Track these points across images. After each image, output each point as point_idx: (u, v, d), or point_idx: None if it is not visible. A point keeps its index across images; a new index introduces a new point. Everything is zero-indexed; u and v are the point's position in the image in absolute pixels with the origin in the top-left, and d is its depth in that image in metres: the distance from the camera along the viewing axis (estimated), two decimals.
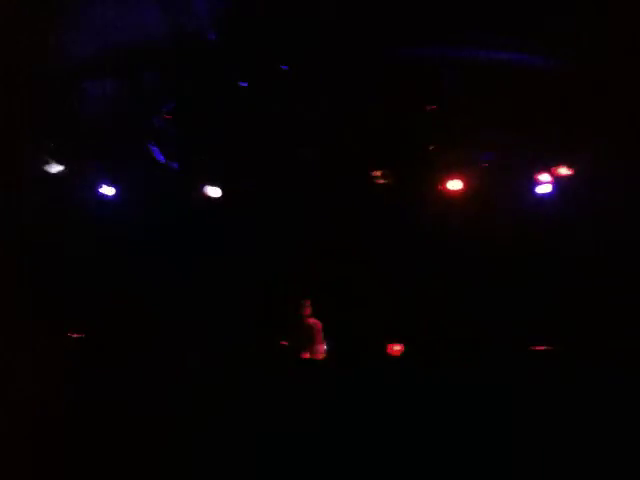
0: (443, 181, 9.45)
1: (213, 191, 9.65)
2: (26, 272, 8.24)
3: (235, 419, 5.95)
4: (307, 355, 8.73)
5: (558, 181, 8.83)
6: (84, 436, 5.96)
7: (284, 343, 8.86)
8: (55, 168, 8.83)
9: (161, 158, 9.31)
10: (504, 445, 5.84)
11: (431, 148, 9.13)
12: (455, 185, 9.36)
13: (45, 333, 8.00)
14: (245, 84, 8.68)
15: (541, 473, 5.79)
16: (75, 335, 8.87)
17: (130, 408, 6.16)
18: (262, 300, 9.96)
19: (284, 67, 8.38)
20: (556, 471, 5.81)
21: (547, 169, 8.83)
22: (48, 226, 8.79)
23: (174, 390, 6.34)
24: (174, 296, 9.71)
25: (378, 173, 9.63)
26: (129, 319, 9.23)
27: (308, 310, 9.21)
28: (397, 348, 8.61)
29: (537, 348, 7.96)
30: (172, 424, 5.95)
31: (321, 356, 8.86)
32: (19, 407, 6.03)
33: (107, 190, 9.39)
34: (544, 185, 8.92)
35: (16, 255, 8.12)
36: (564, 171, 8.62)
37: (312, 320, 9.14)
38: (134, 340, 8.58)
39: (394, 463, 5.47)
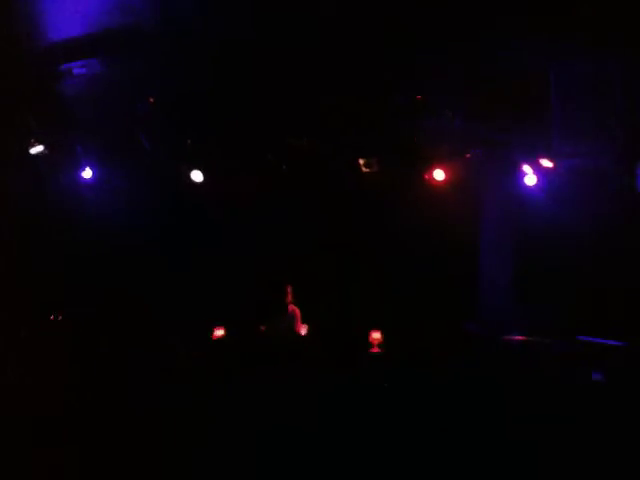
0: (429, 171, 9.46)
1: (196, 175, 9.63)
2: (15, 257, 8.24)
3: (227, 412, 5.92)
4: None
5: (542, 173, 8.83)
6: (81, 432, 5.91)
7: (263, 328, 8.89)
8: (36, 149, 8.78)
9: (145, 143, 9.26)
10: (498, 443, 5.77)
11: (416, 138, 9.09)
12: (439, 175, 9.37)
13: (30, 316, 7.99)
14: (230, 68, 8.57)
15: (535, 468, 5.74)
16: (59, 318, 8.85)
17: (123, 403, 6.12)
18: (247, 286, 9.96)
19: None
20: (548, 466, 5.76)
21: (531, 161, 8.82)
22: (29, 209, 8.76)
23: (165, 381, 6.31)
24: (159, 282, 9.69)
25: (363, 161, 9.61)
26: (116, 305, 9.22)
27: (290, 297, 9.27)
28: (376, 336, 8.61)
29: (518, 338, 7.96)
30: (165, 418, 5.91)
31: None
32: (16, 406, 5.99)
33: (87, 173, 9.36)
34: (529, 177, 8.92)
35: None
36: (547, 163, 8.60)
37: (292, 307, 9.20)
38: (118, 327, 8.58)
39: (386, 460, 5.43)
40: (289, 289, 9.28)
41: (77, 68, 8.27)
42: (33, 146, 8.77)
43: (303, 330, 9.07)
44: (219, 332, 8.93)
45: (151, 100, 8.69)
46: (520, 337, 7.85)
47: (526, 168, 8.84)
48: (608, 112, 7.84)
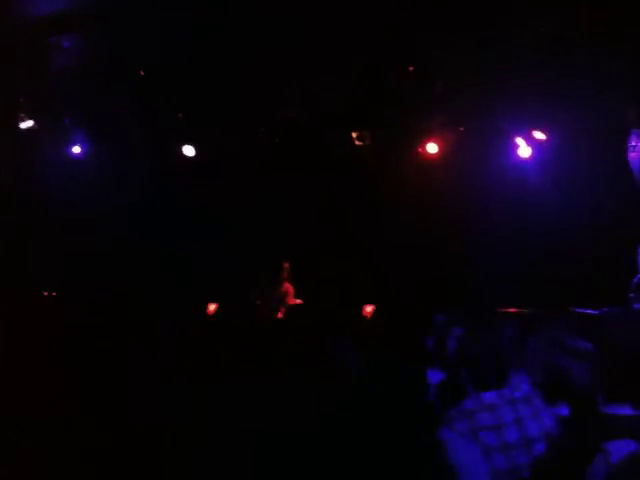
0: (421, 144, 9.38)
1: (187, 150, 9.56)
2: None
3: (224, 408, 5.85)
4: (280, 315, 8.75)
5: (535, 145, 8.77)
6: (77, 432, 5.84)
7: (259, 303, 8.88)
8: (26, 124, 8.71)
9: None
10: None
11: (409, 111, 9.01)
12: (432, 148, 9.30)
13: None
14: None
15: None
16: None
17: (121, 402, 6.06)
18: (243, 263, 9.90)
19: None
20: None
21: (525, 133, 8.75)
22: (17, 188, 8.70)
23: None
24: (151, 264, 9.61)
25: (356, 134, 9.55)
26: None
27: (286, 274, 9.25)
28: (369, 309, 8.60)
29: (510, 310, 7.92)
30: (164, 417, 5.86)
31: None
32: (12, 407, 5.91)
33: (77, 148, 9.29)
34: (523, 149, 8.85)
35: None
36: (540, 136, 8.54)
37: (286, 284, 9.19)
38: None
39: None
40: (286, 266, 9.27)
41: (65, 41, 8.19)
42: (23, 121, 8.71)
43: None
44: (211, 307, 8.92)
45: (141, 73, 8.61)
46: (514, 309, 7.83)
47: (519, 140, 8.78)
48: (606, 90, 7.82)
